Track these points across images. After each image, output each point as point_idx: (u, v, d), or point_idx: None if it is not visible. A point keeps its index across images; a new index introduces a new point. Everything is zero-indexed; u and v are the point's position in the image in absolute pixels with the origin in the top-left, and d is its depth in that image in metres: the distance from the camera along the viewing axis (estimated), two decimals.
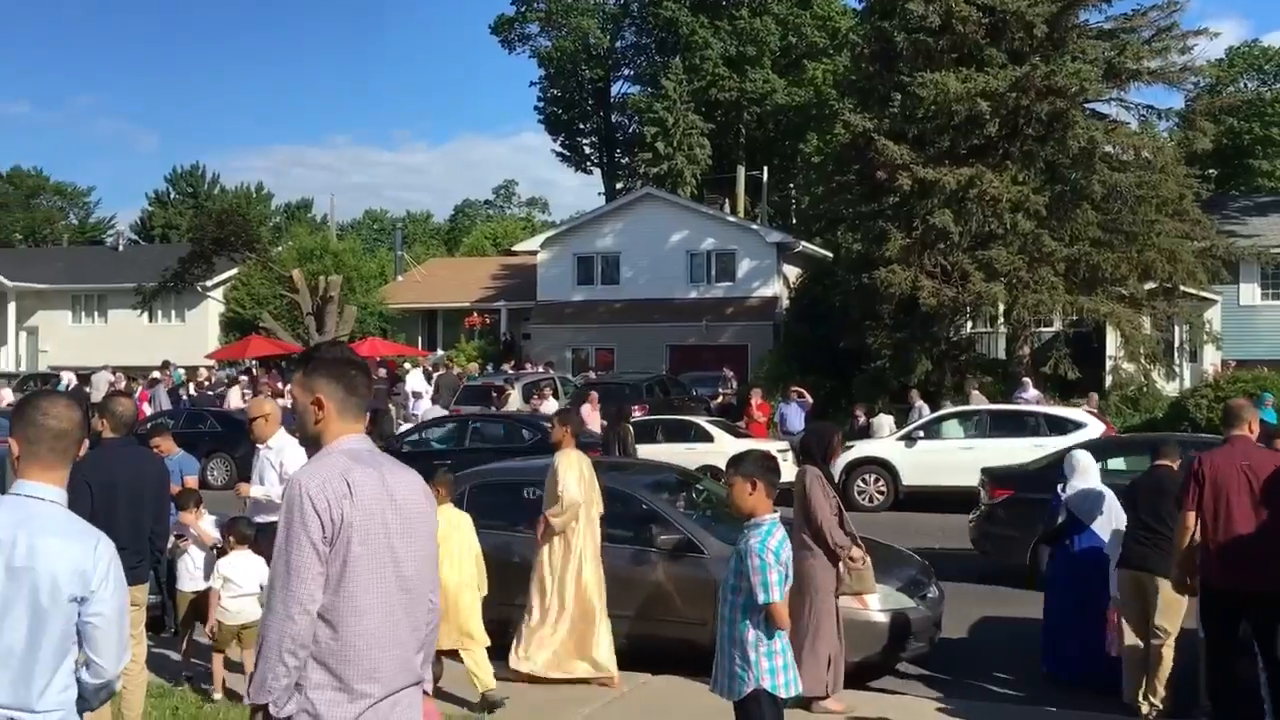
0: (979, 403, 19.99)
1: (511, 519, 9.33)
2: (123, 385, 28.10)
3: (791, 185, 51.88)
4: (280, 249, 40.91)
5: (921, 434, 17.72)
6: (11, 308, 41.38)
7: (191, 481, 8.73)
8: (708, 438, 18.55)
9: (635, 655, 8.20)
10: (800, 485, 7.07)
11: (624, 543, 8.57)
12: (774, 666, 4.46)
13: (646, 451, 17.02)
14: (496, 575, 8.69)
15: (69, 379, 30.56)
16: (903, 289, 23.85)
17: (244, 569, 7.22)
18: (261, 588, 6.75)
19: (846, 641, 7.08)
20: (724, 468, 5.10)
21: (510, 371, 28.19)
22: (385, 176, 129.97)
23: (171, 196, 66.88)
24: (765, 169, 47.42)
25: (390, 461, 3.25)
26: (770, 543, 4.47)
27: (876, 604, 7.60)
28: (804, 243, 34.77)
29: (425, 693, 3.30)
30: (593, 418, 18.65)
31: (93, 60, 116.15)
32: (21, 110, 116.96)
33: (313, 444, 3.24)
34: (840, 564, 6.96)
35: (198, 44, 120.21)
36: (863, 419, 20.66)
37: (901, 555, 8.90)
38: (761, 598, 4.39)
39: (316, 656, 2.99)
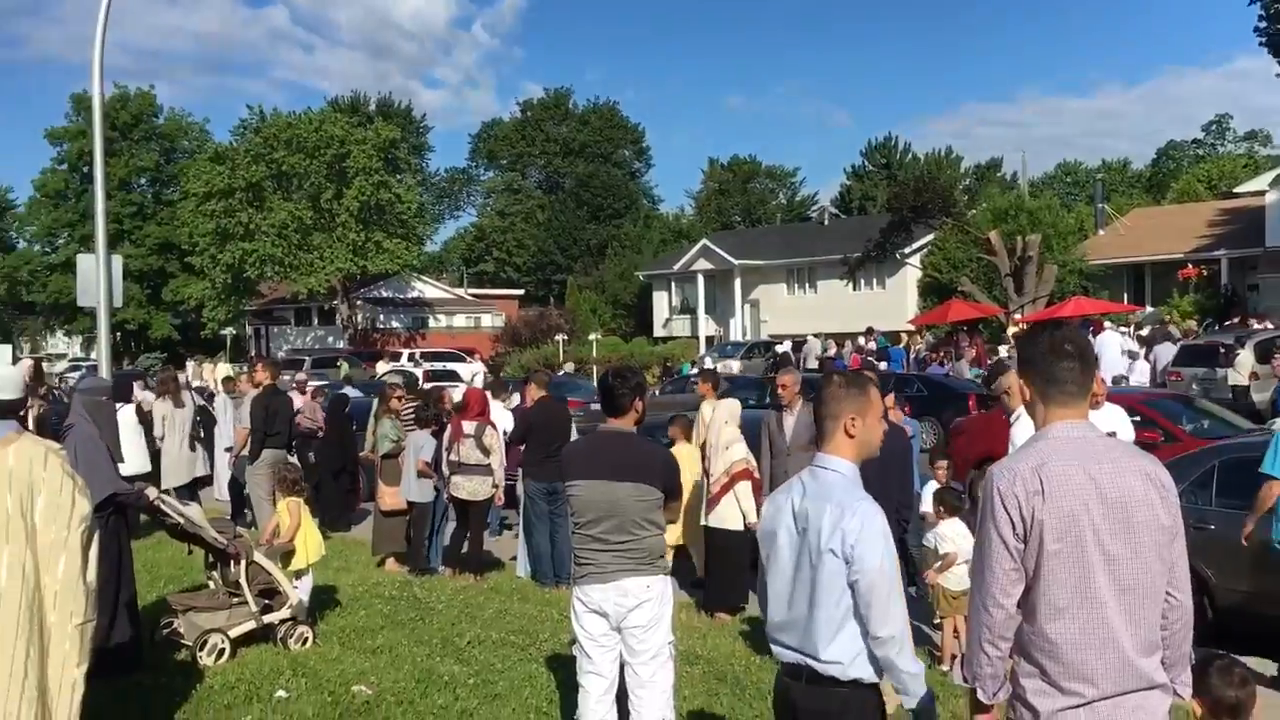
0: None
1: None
2: (833, 351, 30.19)
3: None
4: (974, 211, 40.82)
5: None
6: (737, 283, 46.57)
7: None
8: None
9: None
10: None
11: None
12: None
13: None
14: (1238, 560, 7.78)
15: (784, 347, 33.60)
16: None
17: (956, 537, 7.22)
18: None
19: None
20: None
21: (1248, 328, 25.13)
22: (1077, 125, 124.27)
23: (866, 169, 70.19)
24: None
25: (1112, 451, 3.00)
26: None
27: None
28: None
29: (1178, 695, 3.03)
30: None
31: (790, 49, 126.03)
32: (735, 103, 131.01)
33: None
34: None
35: (885, 19, 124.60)
36: None
37: None
38: None
39: (1023, 648, 2.97)
